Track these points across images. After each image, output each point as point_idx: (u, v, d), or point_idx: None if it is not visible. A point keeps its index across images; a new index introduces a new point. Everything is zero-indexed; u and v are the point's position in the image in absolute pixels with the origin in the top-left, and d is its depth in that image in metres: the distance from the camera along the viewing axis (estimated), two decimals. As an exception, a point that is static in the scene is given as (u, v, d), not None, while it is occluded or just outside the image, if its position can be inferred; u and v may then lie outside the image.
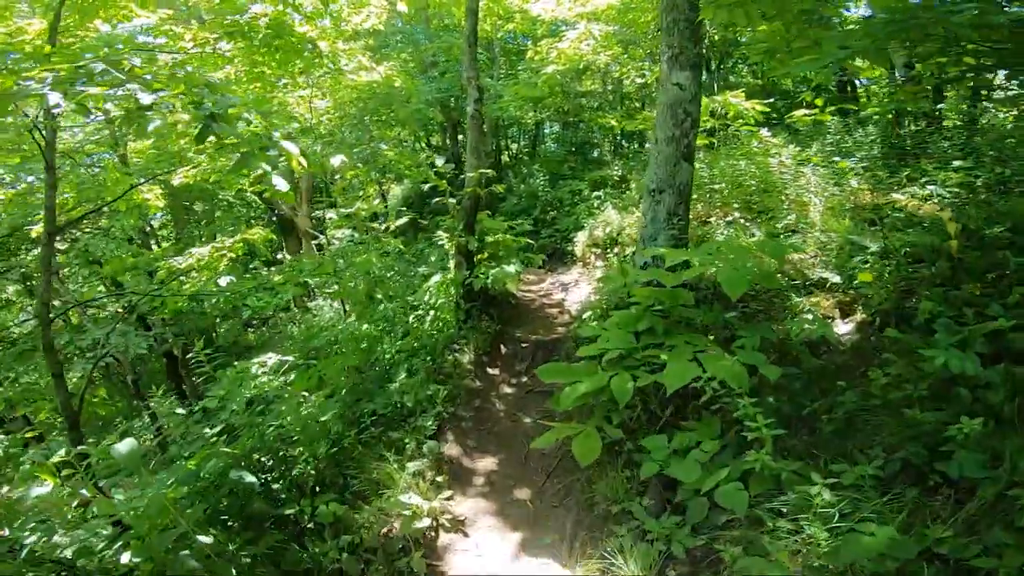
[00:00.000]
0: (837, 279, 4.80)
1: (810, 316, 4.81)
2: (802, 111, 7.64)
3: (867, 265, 4.68)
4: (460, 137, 16.27)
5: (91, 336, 8.70)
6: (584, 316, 5.82)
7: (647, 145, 5.25)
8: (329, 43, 9.84)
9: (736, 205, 7.50)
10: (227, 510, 4.09)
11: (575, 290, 8.27)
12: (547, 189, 13.69)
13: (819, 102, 8.32)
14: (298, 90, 10.52)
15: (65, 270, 9.32)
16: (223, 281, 5.22)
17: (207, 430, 4.45)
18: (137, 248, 8.88)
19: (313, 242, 12.20)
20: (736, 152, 8.30)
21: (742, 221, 6.98)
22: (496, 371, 5.70)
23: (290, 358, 6.32)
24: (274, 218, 14.42)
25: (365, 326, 6.38)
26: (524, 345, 6.13)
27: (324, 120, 11.49)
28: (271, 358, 6.20)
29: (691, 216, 7.06)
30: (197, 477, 4.06)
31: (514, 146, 18.95)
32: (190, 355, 5.85)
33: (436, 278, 6.97)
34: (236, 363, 6.47)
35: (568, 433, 3.76)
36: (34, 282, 10.84)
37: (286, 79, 9.69)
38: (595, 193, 11.41)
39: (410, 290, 9.00)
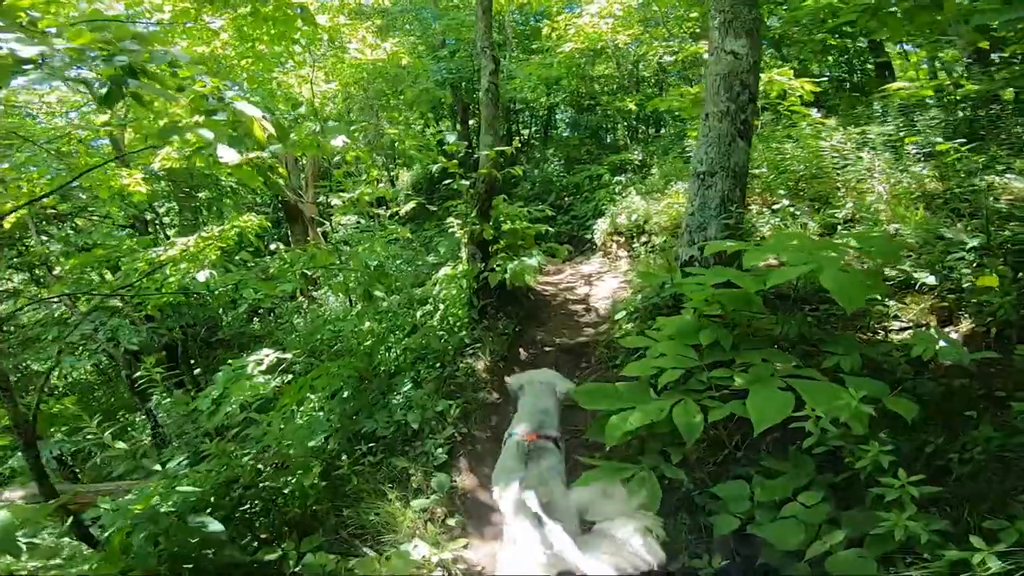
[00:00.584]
0: (931, 280, 3.86)
1: (901, 325, 3.90)
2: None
3: (974, 264, 3.73)
4: (471, 122, 15.29)
5: (80, 331, 7.91)
6: (617, 317, 4.91)
7: (701, 122, 4.22)
8: (330, 18, 8.89)
9: (781, 191, 6.55)
10: (192, 558, 3.26)
11: (599, 283, 7.35)
12: (562, 174, 12.72)
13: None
14: (300, 69, 9.60)
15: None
16: (201, 276, 4.36)
17: (171, 463, 3.60)
18: (125, 238, 8.03)
19: (319, 229, 11.35)
20: (779, 134, 7.32)
21: (791, 209, 6.02)
22: (516, 380, 4.82)
23: (289, 355, 5.48)
24: (280, 204, 13.59)
25: (367, 323, 5.52)
26: (547, 349, 5.23)
27: (329, 101, 10.58)
28: (269, 355, 5.37)
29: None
30: (154, 520, 3.22)
31: (526, 131, 17.91)
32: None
33: (445, 270, 6.10)
34: (230, 361, 5.64)
35: (617, 477, 2.88)
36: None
37: (285, 58, 8.78)
38: (616, 178, 10.45)
39: (417, 282, 8.15)
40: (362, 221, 9.18)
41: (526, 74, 12.66)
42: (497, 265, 5.29)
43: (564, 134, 16.97)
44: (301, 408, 4.59)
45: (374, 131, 9.34)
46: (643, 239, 7.79)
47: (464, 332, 5.07)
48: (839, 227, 5.82)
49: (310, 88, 9.51)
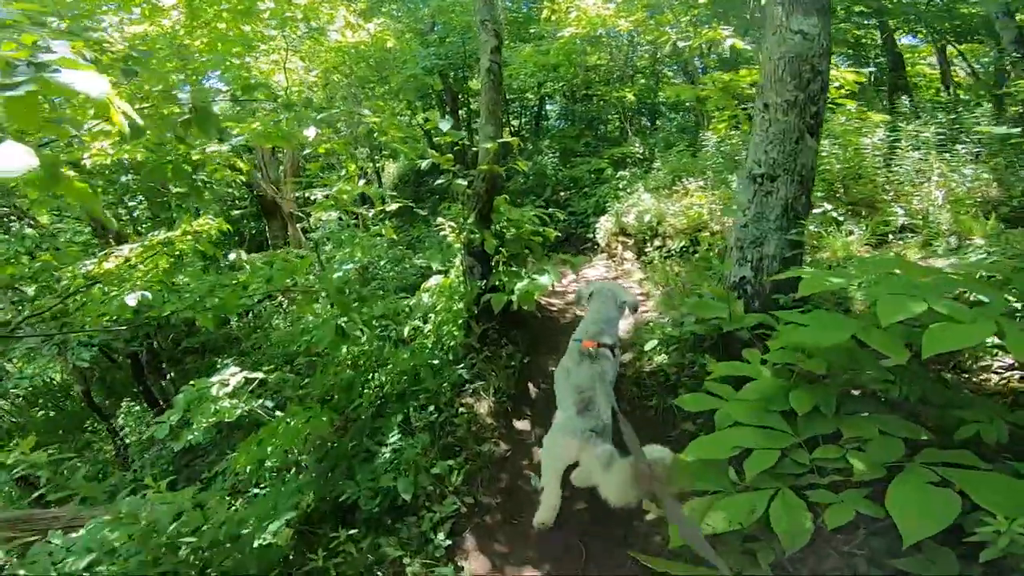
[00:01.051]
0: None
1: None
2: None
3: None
4: (462, 112, 14.27)
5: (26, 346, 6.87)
6: (647, 348, 4.03)
7: (754, 112, 3.26)
8: (307, -4, 7.84)
9: (818, 193, 5.72)
10: None
11: None
12: (558, 167, 11.80)
13: (861, 78, 6.43)
14: (273, 54, 8.52)
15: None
16: (131, 299, 3.39)
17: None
18: (64, 244, 6.99)
19: (299, 225, 10.32)
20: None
21: (834, 214, 5.18)
22: (527, 424, 3.91)
23: (259, 375, 4.52)
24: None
25: (345, 349, 4.57)
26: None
27: (309, 89, 9.50)
28: (235, 374, 4.42)
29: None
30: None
31: (516, 122, 16.93)
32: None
33: (437, 279, 5.17)
34: (193, 382, 4.67)
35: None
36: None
37: (256, 42, 7.70)
38: (620, 172, 9.56)
39: (404, 286, 7.18)
40: (344, 218, 8.19)
41: (521, 61, 11.68)
42: (500, 282, 4.37)
43: (555, 125, 16.03)
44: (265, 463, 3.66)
45: (354, 120, 8.33)
46: (656, 243, 6.92)
47: (462, 365, 4.15)
48: (892, 236, 5.01)
49: (285, 74, 8.45)
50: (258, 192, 10.95)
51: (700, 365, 3.51)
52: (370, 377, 4.43)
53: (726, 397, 2.54)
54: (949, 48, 9.79)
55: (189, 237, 4.96)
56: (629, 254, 7.85)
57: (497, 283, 4.42)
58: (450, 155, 4.57)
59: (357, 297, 4.01)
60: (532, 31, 13.30)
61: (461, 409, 3.78)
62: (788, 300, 3.37)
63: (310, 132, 3.41)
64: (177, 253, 4.97)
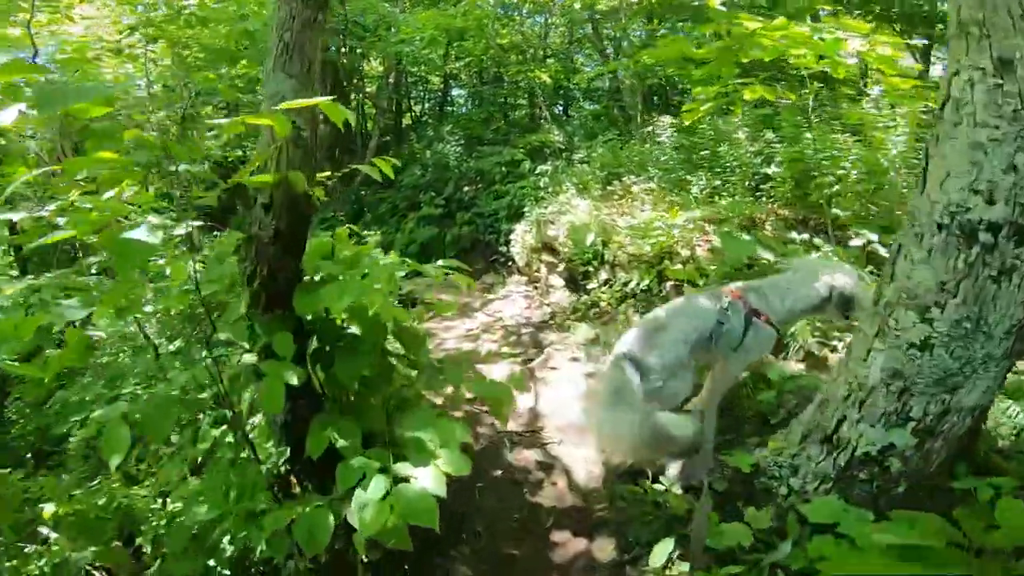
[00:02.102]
0: None
1: None
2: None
3: None
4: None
5: None
6: (654, 565, 1.75)
7: (956, 84, 0.95)
8: None
9: (839, 212, 3.77)
10: None
11: (546, 374, 4.05)
12: (463, 158, 9.33)
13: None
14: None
15: None
16: None
17: None
18: None
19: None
20: (829, 115, 4.53)
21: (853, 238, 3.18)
22: None
23: None
24: None
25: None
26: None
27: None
28: None
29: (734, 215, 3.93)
30: None
31: (418, 108, 14.18)
32: None
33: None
34: None
35: None
36: None
37: None
38: (541, 167, 7.23)
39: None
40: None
41: (420, 23, 8.98)
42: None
43: (462, 110, 13.44)
44: None
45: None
46: (602, 275, 4.69)
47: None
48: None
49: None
50: None
51: None
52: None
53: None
54: None
55: None
56: (557, 280, 5.59)
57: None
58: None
59: None
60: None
61: None
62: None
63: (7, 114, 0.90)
64: None
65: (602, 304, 4.42)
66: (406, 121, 13.94)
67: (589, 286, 4.69)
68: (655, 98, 10.22)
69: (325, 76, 10.37)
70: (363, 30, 9.49)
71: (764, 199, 4.69)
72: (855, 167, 3.96)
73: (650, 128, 6.99)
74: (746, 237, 3.91)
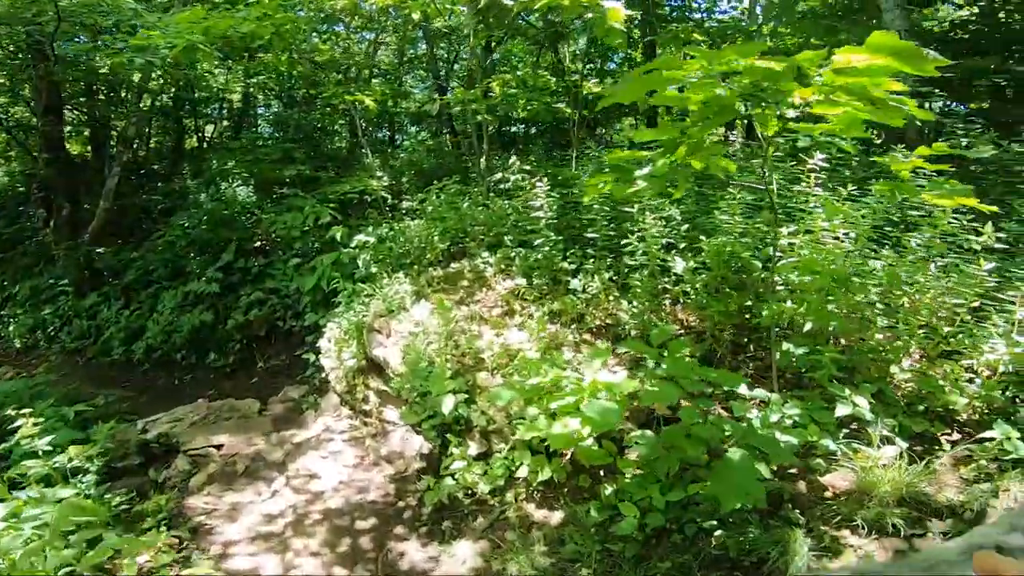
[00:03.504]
0: None
1: None
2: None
3: None
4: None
5: None
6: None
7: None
8: None
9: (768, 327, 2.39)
10: None
11: None
12: (252, 202, 6.79)
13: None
14: None
15: None
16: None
17: None
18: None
19: None
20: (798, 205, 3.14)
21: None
22: None
23: None
24: None
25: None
26: None
27: None
28: None
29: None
30: None
31: (210, 128, 11.07)
32: None
33: None
34: None
35: None
36: None
37: None
38: (359, 237, 5.04)
39: None
40: None
41: (179, 26, 6.22)
42: None
43: (268, 133, 10.59)
44: None
45: None
46: (471, 444, 2.80)
47: None
48: None
49: None
50: None
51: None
52: None
53: None
54: None
55: None
56: (392, 413, 3.59)
57: None
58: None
59: None
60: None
61: None
62: None
63: None
64: None
65: (478, 490, 2.55)
66: (189, 145, 10.77)
67: (453, 464, 2.76)
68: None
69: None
70: (91, 32, 6.46)
71: (681, 306, 3.22)
72: (813, 275, 2.62)
73: (500, 175, 5.33)
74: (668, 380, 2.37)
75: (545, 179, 3.76)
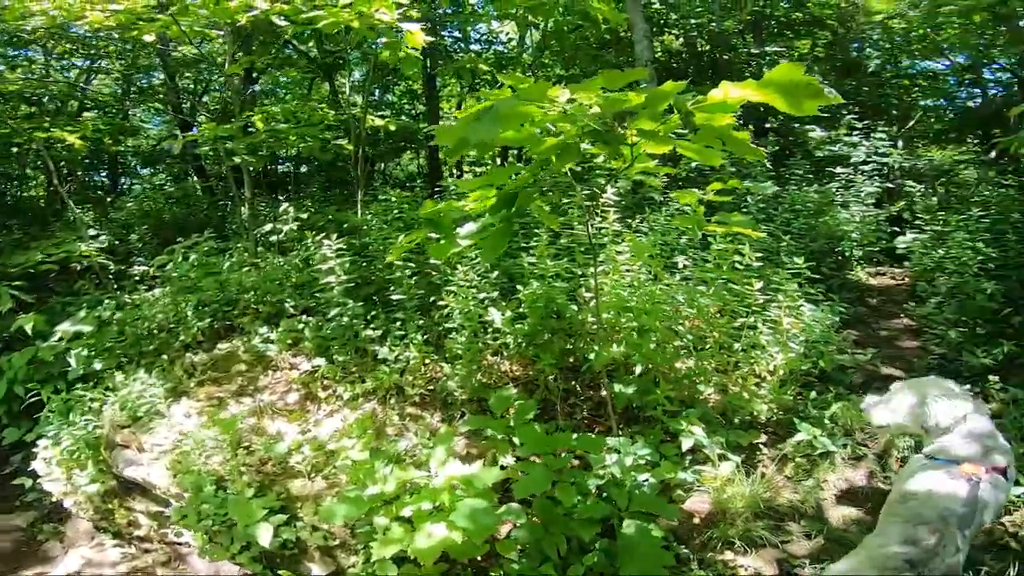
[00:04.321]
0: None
1: None
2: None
3: None
4: None
5: None
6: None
7: None
8: None
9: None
10: None
11: None
12: None
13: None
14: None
15: None
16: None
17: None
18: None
19: None
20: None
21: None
22: None
23: None
24: None
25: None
26: None
27: None
28: None
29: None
30: None
31: None
32: None
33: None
34: None
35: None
36: None
37: None
38: (64, 325, 3.55)
39: None
40: None
41: None
42: None
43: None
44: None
45: None
46: (314, 557, 2.07)
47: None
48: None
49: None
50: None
51: None
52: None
53: None
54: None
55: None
56: (187, 533, 2.57)
57: None
58: None
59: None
60: None
61: None
62: None
63: None
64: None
65: None
66: None
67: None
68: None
69: None
70: None
71: (504, 358, 2.96)
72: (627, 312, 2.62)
73: (269, 225, 4.49)
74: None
75: (333, 235, 3.15)
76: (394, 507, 2.07)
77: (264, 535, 2.15)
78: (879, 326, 3.87)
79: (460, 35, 7.62)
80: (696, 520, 2.28)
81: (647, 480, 2.23)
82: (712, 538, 2.15)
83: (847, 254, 4.30)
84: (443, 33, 6.96)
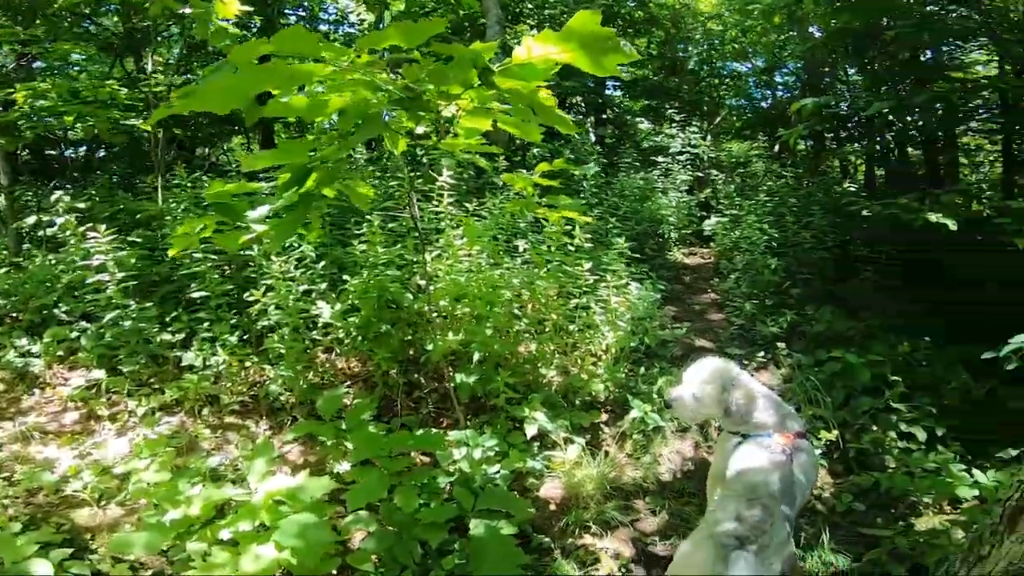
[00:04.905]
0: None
1: None
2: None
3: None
4: None
5: None
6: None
7: None
8: None
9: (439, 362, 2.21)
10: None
11: None
12: None
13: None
14: None
15: None
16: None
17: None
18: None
19: None
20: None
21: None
22: None
23: None
24: None
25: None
26: None
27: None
28: None
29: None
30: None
31: None
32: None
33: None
34: None
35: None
36: None
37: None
38: None
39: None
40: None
41: None
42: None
43: None
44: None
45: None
46: None
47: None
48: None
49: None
50: None
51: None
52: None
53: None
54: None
55: None
56: None
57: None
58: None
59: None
60: None
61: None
62: None
63: None
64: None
65: None
66: None
67: None
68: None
69: None
70: None
71: (337, 354, 2.68)
72: (463, 299, 2.51)
73: (33, 218, 3.64)
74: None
75: (102, 227, 2.56)
76: (209, 531, 1.76)
77: (40, 571, 1.71)
78: (692, 301, 4.26)
79: (306, 14, 6.97)
80: (552, 507, 2.25)
81: (499, 472, 2.16)
82: (569, 524, 2.14)
83: (666, 236, 4.68)
84: (287, 12, 6.36)
